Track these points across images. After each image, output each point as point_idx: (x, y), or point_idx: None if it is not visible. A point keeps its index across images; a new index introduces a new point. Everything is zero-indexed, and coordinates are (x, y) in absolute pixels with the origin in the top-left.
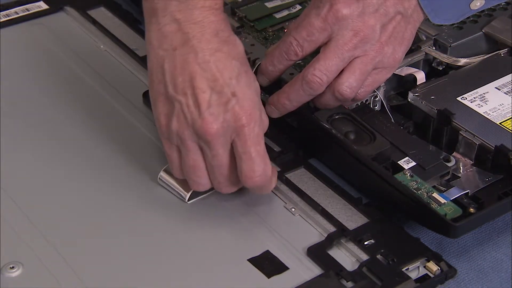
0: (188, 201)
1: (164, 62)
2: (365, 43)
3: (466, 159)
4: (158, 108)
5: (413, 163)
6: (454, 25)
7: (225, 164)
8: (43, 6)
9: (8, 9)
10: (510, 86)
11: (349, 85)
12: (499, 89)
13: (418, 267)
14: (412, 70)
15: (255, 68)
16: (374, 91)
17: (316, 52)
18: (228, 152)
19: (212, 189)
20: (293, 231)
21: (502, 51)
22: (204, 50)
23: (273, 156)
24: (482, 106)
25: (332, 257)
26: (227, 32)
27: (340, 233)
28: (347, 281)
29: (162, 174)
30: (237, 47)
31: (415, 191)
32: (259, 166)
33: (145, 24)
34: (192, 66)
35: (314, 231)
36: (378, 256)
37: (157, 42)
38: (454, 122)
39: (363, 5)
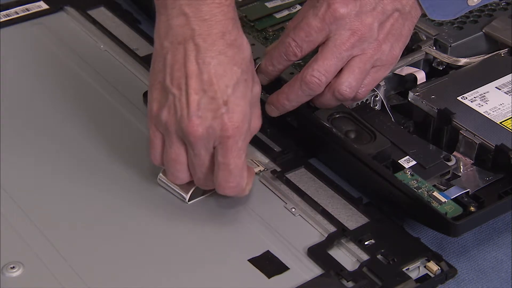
0: (188, 201)
1: (167, 54)
2: (363, 42)
3: (466, 158)
4: (153, 94)
5: (414, 162)
6: (455, 25)
7: (206, 164)
8: (43, 6)
9: (8, 9)
10: (510, 86)
11: (349, 85)
12: (500, 89)
13: (419, 267)
14: (412, 70)
15: (256, 68)
16: (375, 91)
17: (315, 51)
18: (210, 153)
19: (212, 189)
20: (293, 231)
21: (502, 51)
22: (207, 51)
23: (273, 156)
24: (482, 105)
25: (333, 257)
26: (234, 34)
27: (341, 233)
28: (347, 281)
29: (162, 175)
30: (243, 51)
31: (415, 190)
32: (234, 179)
33: (156, 12)
34: (192, 64)
35: (315, 231)
36: (379, 256)
37: (164, 33)
38: (455, 122)
39: (360, 4)
